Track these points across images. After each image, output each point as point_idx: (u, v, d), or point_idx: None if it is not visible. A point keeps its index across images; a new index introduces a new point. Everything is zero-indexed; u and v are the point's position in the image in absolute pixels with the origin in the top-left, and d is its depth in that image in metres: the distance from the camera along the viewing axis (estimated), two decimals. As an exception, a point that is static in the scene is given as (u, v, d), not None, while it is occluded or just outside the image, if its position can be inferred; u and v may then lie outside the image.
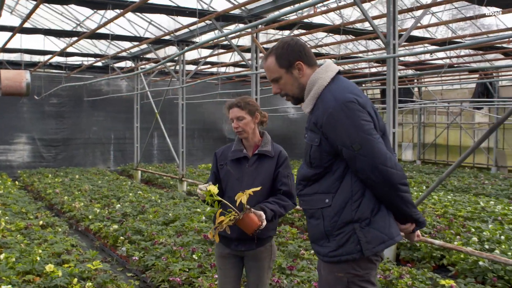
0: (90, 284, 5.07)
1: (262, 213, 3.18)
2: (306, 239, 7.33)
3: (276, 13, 10.12)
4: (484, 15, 9.50)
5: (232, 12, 9.90)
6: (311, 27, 11.42)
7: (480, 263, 5.95)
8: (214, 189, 3.11)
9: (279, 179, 3.49)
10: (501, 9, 8.95)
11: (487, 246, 6.62)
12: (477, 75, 19.40)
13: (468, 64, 17.18)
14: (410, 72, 18.32)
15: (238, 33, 10.77)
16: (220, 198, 3.16)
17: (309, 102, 2.66)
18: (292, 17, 11.07)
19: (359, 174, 2.52)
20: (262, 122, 3.62)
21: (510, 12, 8.66)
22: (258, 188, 3.18)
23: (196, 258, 6.03)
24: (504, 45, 13.33)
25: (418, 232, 2.76)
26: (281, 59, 2.69)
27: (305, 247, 6.80)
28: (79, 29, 15.27)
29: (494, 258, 5.57)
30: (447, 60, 16.78)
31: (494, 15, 10.15)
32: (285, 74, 2.71)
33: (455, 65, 16.40)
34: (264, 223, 3.16)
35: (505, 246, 6.58)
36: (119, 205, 9.72)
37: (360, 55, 17.09)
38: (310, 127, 2.65)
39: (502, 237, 7.06)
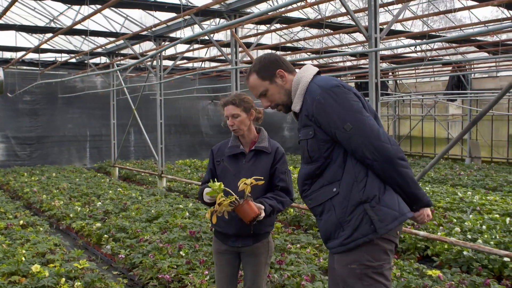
0: (79, 283, 5.00)
1: (261, 205, 3.21)
2: (291, 233, 7.37)
3: (263, 9, 10.10)
4: (461, 9, 9.62)
5: (211, 7, 9.85)
6: (290, 22, 11.44)
7: (464, 253, 6.05)
8: (220, 186, 3.13)
9: (276, 175, 3.49)
10: (477, 2, 9.08)
11: (469, 236, 6.74)
12: (450, 68, 19.69)
13: (441, 57, 17.42)
14: (384, 65, 18.50)
15: (215, 27, 10.73)
16: (228, 189, 3.16)
17: (298, 100, 2.74)
18: (271, 12, 11.07)
19: (356, 154, 2.56)
20: (258, 118, 3.61)
21: (487, 6, 8.81)
22: (261, 178, 3.19)
23: (184, 254, 6.01)
24: (478, 38, 13.56)
25: (428, 211, 2.72)
26: (262, 73, 2.82)
27: (291, 241, 6.84)
28: (52, 25, 15.02)
29: (478, 248, 5.67)
30: (422, 53, 16.99)
31: (469, 9, 10.32)
32: (269, 85, 2.82)
33: (429, 58, 16.61)
34: (263, 214, 3.18)
35: (487, 235, 6.71)
36: (100, 203, 9.61)
37: (336, 49, 17.18)
38: (303, 122, 2.70)
39: (484, 226, 7.19)
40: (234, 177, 3.45)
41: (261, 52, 21.88)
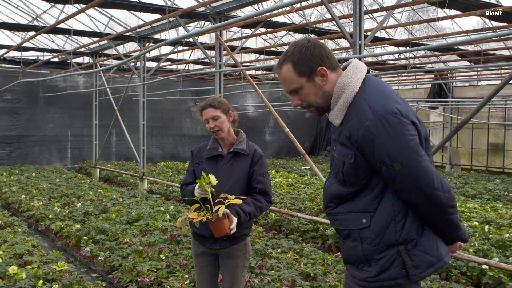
0: (57, 286, 4.94)
1: (234, 219, 3.22)
2: (272, 238, 7.36)
3: (249, 13, 10.11)
4: (445, 18, 9.72)
5: (197, 9, 9.84)
6: (275, 26, 11.46)
7: (444, 260, 6.08)
8: (213, 179, 3.11)
9: (254, 178, 3.50)
10: (460, 12, 9.18)
11: (448, 243, 6.78)
12: (432, 76, 19.91)
13: (424, 65, 17.60)
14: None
15: (201, 30, 10.72)
16: (212, 190, 3.16)
17: (339, 112, 2.31)
18: (256, 16, 11.09)
19: (400, 194, 2.21)
20: (234, 121, 3.64)
21: (469, 16, 8.91)
22: (244, 198, 3.27)
23: (164, 257, 5.97)
24: (460, 47, 13.72)
25: (461, 243, 2.43)
26: (300, 66, 2.29)
27: (272, 245, 6.83)
28: (35, 23, 14.87)
29: (457, 255, 5.72)
30: (405, 61, 17.15)
31: (452, 18, 10.41)
32: (306, 83, 2.32)
33: (412, 66, 16.78)
34: (233, 231, 3.20)
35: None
36: (80, 204, 9.51)
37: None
38: (341, 140, 2.29)
39: (463, 234, 7.25)
40: None
41: (246, 56, 21.95)
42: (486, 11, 8.65)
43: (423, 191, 2.14)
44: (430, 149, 2.36)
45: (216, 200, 3.16)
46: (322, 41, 18.13)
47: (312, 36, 12.75)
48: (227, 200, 3.10)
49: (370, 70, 2.49)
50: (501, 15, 8.64)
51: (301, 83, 2.33)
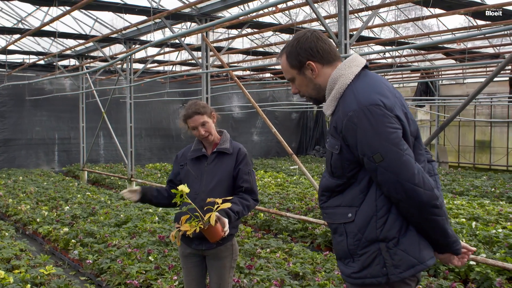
0: (45, 289, 4.92)
1: (226, 221, 3.22)
2: (261, 238, 7.38)
3: (235, 13, 10.11)
4: (429, 17, 9.80)
5: (182, 10, 9.82)
6: (261, 26, 11.48)
7: (431, 256, 6.12)
8: (185, 188, 3.10)
9: (240, 176, 3.52)
10: (444, 11, 9.26)
11: (436, 240, 6.83)
12: (418, 74, 20.04)
13: (410, 64, 17.71)
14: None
15: (187, 31, 10.72)
16: (190, 201, 3.14)
17: (330, 103, 2.34)
18: (242, 16, 11.10)
19: (382, 188, 2.19)
20: (217, 121, 3.69)
21: (454, 14, 8.99)
22: (230, 198, 3.30)
23: (153, 259, 5.96)
24: (446, 46, 13.82)
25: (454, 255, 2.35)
26: (291, 59, 2.38)
27: (261, 245, 6.84)
28: (20, 25, 14.77)
29: (445, 252, 5.75)
30: (391, 60, 17.24)
31: (437, 17, 10.50)
32: (297, 75, 2.40)
33: (398, 64, 16.87)
34: (227, 232, 3.21)
35: (453, 239, 6.81)
36: (67, 207, 9.47)
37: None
38: (331, 131, 2.33)
39: (450, 231, 7.30)
40: (197, 179, 3.53)
41: (233, 57, 21.94)
42: (486, 11, 8.75)
43: (403, 185, 2.10)
44: (422, 147, 2.36)
45: (205, 208, 3.16)
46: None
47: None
48: (216, 206, 3.08)
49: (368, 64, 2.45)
50: (501, 15, 8.76)
51: (293, 74, 2.40)
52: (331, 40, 2.39)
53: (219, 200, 3.09)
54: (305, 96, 2.47)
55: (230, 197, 3.32)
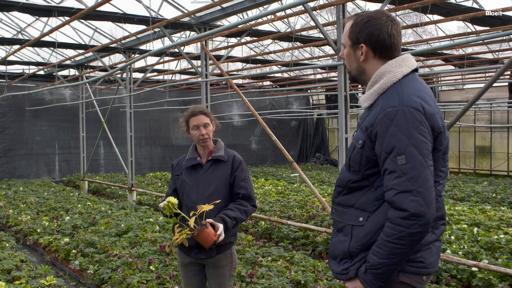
0: (46, 300, 4.90)
1: (220, 226, 3.22)
2: (262, 246, 7.35)
3: (234, 22, 10.13)
4: (428, 23, 9.82)
5: (181, 19, 9.85)
6: (260, 35, 11.51)
7: (433, 263, 6.10)
8: (173, 200, 3.12)
9: (236, 183, 3.53)
10: (443, 17, 9.28)
11: (438, 247, 6.81)
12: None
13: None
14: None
15: (186, 40, 10.76)
16: (178, 211, 3.18)
17: (370, 96, 2.29)
18: (241, 25, 11.14)
19: (388, 191, 2.12)
20: (216, 130, 3.72)
21: (452, 20, 9.01)
22: (218, 201, 3.31)
23: (154, 269, 5.94)
24: (445, 52, 13.84)
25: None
26: (352, 30, 2.31)
27: (262, 254, 6.81)
28: (20, 36, 14.80)
29: (447, 258, 5.74)
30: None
31: (435, 23, 10.52)
32: (349, 47, 2.34)
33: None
34: (222, 237, 3.21)
35: (455, 246, 6.80)
36: (68, 217, 9.44)
37: (306, 61, 17.33)
38: (361, 124, 2.30)
39: (452, 237, 7.29)
40: (193, 188, 3.53)
41: (232, 65, 21.99)
42: (486, 11, 8.75)
43: (413, 196, 2.04)
44: (446, 164, 2.31)
45: (191, 213, 3.18)
46: (308, 48, 18.24)
47: (297, 44, 12.80)
48: (199, 210, 3.12)
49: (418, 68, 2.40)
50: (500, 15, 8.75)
51: (347, 43, 2.35)
52: (400, 39, 2.32)
53: (203, 206, 3.12)
54: (346, 67, 2.44)
55: (218, 201, 3.34)
